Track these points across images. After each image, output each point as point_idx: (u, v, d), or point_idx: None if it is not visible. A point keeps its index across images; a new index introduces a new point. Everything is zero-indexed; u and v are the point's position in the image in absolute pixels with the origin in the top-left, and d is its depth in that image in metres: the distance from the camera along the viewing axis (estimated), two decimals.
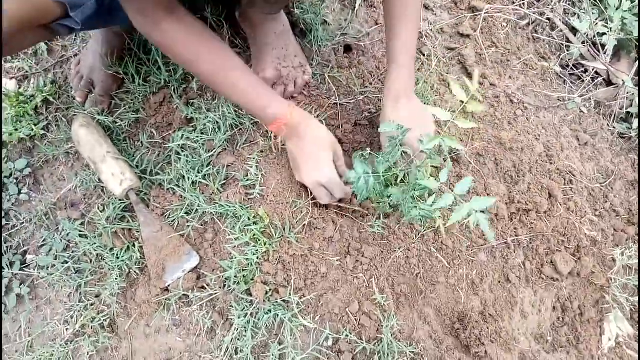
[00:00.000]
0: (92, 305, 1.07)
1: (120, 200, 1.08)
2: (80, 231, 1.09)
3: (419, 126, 0.99)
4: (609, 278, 1.22)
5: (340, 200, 1.09)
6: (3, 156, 1.16)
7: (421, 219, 0.91)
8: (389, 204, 1.05)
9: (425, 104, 1.14)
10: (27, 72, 1.26)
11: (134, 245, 1.06)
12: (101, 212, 1.09)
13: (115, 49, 1.16)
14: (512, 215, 1.18)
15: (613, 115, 1.43)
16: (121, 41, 1.16)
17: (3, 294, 1.08)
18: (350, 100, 1.17)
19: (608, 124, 1.42)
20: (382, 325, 1.01)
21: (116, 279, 1.05)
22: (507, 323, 1.11)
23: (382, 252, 1.07)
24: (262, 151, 1.09)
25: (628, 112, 1.46)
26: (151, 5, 0.81)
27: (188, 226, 1.05)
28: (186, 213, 1.05)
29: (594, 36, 1.47)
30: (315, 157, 1.01)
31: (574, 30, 1.52)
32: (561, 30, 1.50)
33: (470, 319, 1.06)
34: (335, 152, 1.03)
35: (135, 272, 1.06)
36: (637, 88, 1.41)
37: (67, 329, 1.05)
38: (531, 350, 1.11)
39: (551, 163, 1.25)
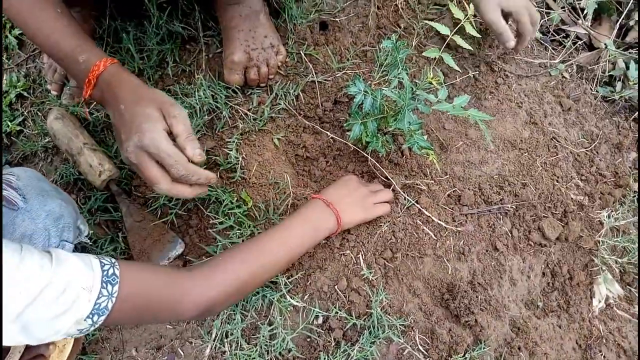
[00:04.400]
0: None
1: (101, 191, 1.07)
2: None
3: None
4: (597, 241, 1.23)
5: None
6: None
7: (419, 147, 0.91)
8: (383, 140, 1.02)
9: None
10: None
11: (117, 236, 1.05)
12: (83, 204, 1.08)
13: None
14: (498, 184, 1.18)
15: (596, 79, 1.42)
16: (90, 29, 1.14)
17: None
18: (329, 77, 1.16)
19: (591, 88, 1.41)
20: (372, 301, 1.01)
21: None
22: (496, 291, 1.11)
23: (367, 227, 1.07)
24: (241, 134, 1.08)
25: (610, 76, 1.45)
26: None
27: (171, 213, 1.04)
28: (168, 200, 1.04)
29: (574, 1, 1.45)
30: (136, 119, 0.77)
31: None
32: None
33: (459, 289, 1.06)
34: (167, 112, 0.79)
35: None
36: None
37: None
38: (522, 316, 1.12)
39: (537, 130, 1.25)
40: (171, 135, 0.79)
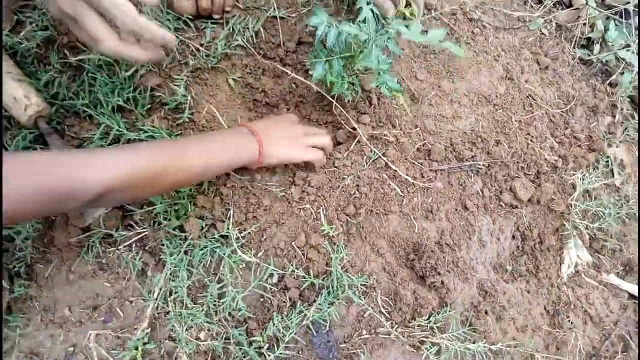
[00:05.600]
0: (5, 251, 0.94)
1: (28, 129, 0.94)
2: None
3: None
4: (569, 204, 1.18)
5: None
6: None
7: (388, 88, 0.83)
8: (349, 82, 0.93)
9: None
10: None
11: None
12: (9, 145, 0.95)
13: None
14: (470, 140, 1.10)
15: (574, 40, 1.36)
16: None
17: None
18: (292, 13, 1.04)
19: (569, 48, 1.35)
20: (331, 258, 0.93)
21: (30, 220, 0.92)
22: (464, 252, 1.04)
23: (330, 180, 0.98)
24: (192, 71, 0.96)
25: (588, 38, 1.39)
26: None
27: None
28: (106, 142, 0.92)
29: None
30: None
31: None
32: None
33: (425, 248, 0.99)
34: None
35: None
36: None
37: None
38: (489, 280, 1.06)
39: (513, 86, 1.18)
40: None
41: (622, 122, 1.36)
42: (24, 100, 0.89)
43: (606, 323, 1.17)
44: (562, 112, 1.25)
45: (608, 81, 1.37)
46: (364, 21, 0.80)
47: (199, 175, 0.81)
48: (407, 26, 0.74)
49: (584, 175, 1.21)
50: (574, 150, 1.23)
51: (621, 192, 1.29)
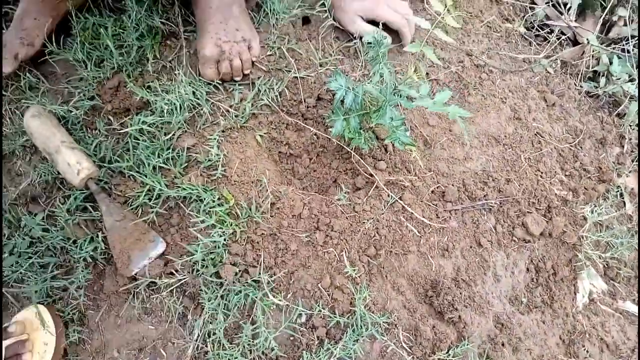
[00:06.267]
0: (60, 299, 1.05)
1: (80, 190, 1.05)
2: (43, 225, 1.06)
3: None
4: (581, 236, 1.23)
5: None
6: None
7: (401, 143, 0.91)
8: (366, 136, 1.02)
9: None
10: None
11: (97, 236, 1.03)
12: (62, 204, 1.06)
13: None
14: (482, 180, 1.17)
15: (580, 75, 1.43)
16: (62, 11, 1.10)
17: None
18: (311, 73, 1.15)
19: (575, 84, 1.41)
20: (355, 298, 1.01)
21: (82, 271, 1.03)
22: (480, 287, 1.11)
23: (351, 224, 1.06)
24: (223, 131, 1.07)
25: (595, 71, 1.46)
26: None
27: (152, 212, 1.03)
28: (148, 199, 1.03)
29: None
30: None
31: None
32: None
33: (443, 285, 1.06)
34: None
35: (101, 262, 1.04)
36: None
37: None
38: (505, 312, 1.12)
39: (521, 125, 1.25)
40: None
41: (632, 152, 1.41)
42: (77, 166, 1.00)
43: (623, 350, 1.21)
44: (570, 146, 1.31)
45: (616, 112, 1.43)
46: (379, 80, 0.89)
47: None
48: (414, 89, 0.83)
49: (594, 207, 1.26)
50: (584, 182, 1.29)
51: (633, 220, 1.34)
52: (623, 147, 1.40)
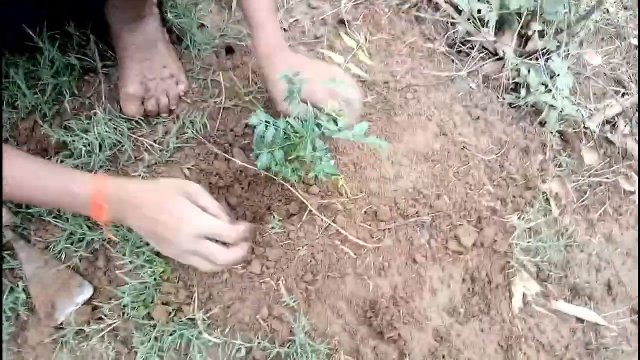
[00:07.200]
0: None
1: None
2: None
3: (316, 74, 0.94)
4: (511, 243, 1.28)
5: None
6: None
7: (326, 175, 0.92)
8: (293, 167, 1.00)
9: None
10: None
11: (17, 286, 0.98)
12: None
13: None
14: (413, 197, 1.20)
15: (501, 87, 1.49)
16: None
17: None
18: (237, 102, 1.14)
19: (497, 96, 1.48)
20: (293, 327, 1.00)
21: (3, 324, 0.97)
22: (417, 303, 1.13)
23: (286, 252, 1.06)
24: (148, 166, 1.04)
25: (516, 83, 1.53)
26: None
27: (75, 256, 0.99)
28: (71, 243, 0.98)
29: (476, 12, 1.52)
30: (174, 212, 0.79)
31: (458, 10, 1.57)
32: (445, 10, 1.54)
33: (381, 305, 1.07)
34: (188, 194, 0.83)
35: (24, 313, 0.98)
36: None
37: None
38: (444, 325, 1.14)
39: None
40: None
41: (554, 158, 1.48)
42: None
43: (557, 349, 1.26)
44: (497, 156, 1.37)
45: (537, 121, 1.50)
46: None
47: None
48: (335, 121, 0.84)
49: (522, 214, 1.32)
50: (512, 191, 1.35)
51: (559, 223, 1.40)
52: (545, 154, 1.47)
